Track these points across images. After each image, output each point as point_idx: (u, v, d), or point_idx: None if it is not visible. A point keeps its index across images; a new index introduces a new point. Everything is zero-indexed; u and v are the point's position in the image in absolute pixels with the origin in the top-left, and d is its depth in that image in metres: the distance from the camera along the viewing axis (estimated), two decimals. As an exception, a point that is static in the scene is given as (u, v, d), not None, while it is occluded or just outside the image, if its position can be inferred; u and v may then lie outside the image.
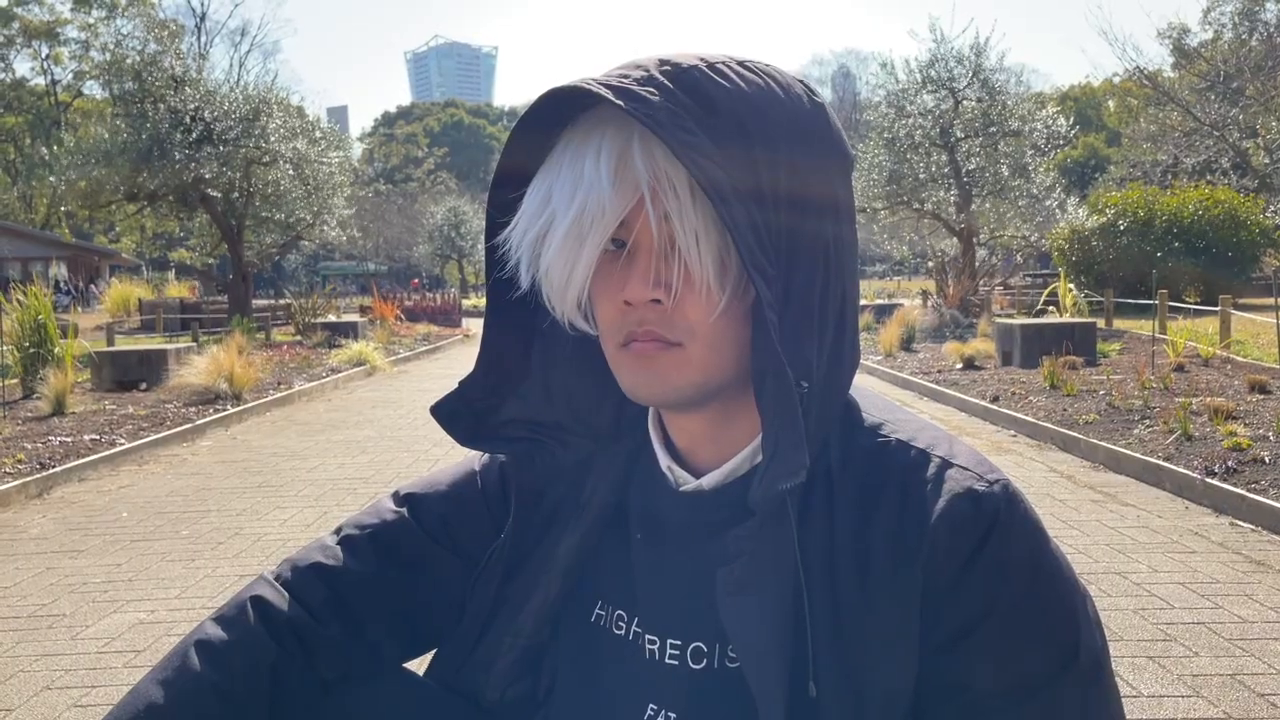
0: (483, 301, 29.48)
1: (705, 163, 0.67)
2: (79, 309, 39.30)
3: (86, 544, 4.15)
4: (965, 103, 15.27)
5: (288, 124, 16.54)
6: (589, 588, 0.86)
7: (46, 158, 16.19)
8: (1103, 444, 5.16)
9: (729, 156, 0.68)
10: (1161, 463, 4.64)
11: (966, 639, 0.71)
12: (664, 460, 0.82)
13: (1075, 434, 5.49)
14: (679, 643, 0.80)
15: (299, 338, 15.12)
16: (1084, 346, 8.64)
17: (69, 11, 70.03)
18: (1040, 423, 5.94)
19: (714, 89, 0.70)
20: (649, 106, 0.67)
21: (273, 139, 16.09)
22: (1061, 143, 15.41)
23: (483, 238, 0.81)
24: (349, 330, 14.08)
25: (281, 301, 22.26)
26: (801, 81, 0.78)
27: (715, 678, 0.77)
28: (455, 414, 0.85)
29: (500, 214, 0.77)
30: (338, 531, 0.90)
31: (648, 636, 0.82)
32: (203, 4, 68.47)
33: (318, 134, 16.95)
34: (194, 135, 15.43)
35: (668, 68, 0.70)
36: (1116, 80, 72.35)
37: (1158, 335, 10.43)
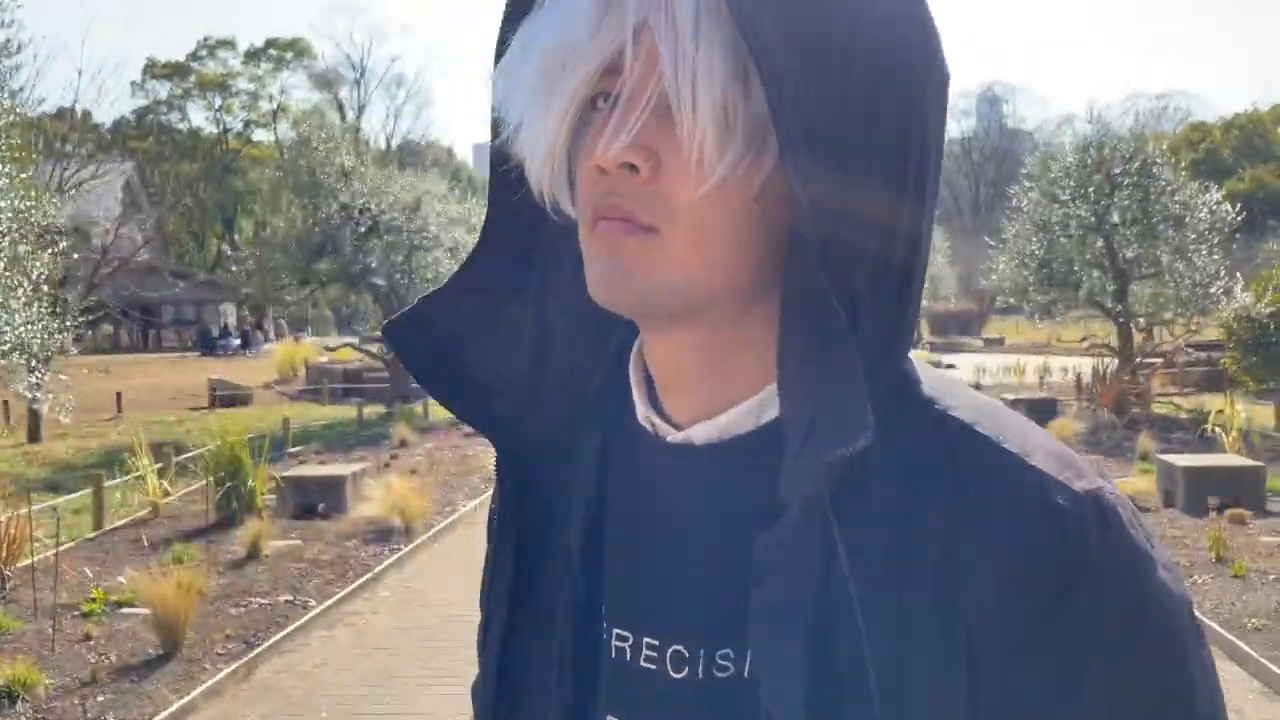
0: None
1: None
2: (246, 354, 41.67)
3: (295, 757, 4.56)
4: (1122, 190, 14.88)
5: (447, 211, 17.40)
6: None
7: (229, 251, 17.41)
8: (1274, 668, 5.06)
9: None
10: (1338, 711, 4.54)
11: (1056, 709, 0.57)
12: (641, 410, 0.67)
13: (1243, 645, 5.38)
14: (656, 643, 0.65)
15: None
16: (1252, 494, 8.36)
17: (239, 65, 74.54)
18: (1207, 620, 5.82)
19: None
20: None
21: (432, 228, 16.95)
22: (1227, 230, 14.81)
23: None
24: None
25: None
26: None
27: (697, 689, 0.63)
28: (410, 338, 0.71)
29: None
30: None
31: (615, 631, 0.67)
32: (363, 60, 71.80)
33: (474, 221, 17.77)
34: (363, 229, 16.43)
35: None
36: (1287, 107, 68.58)
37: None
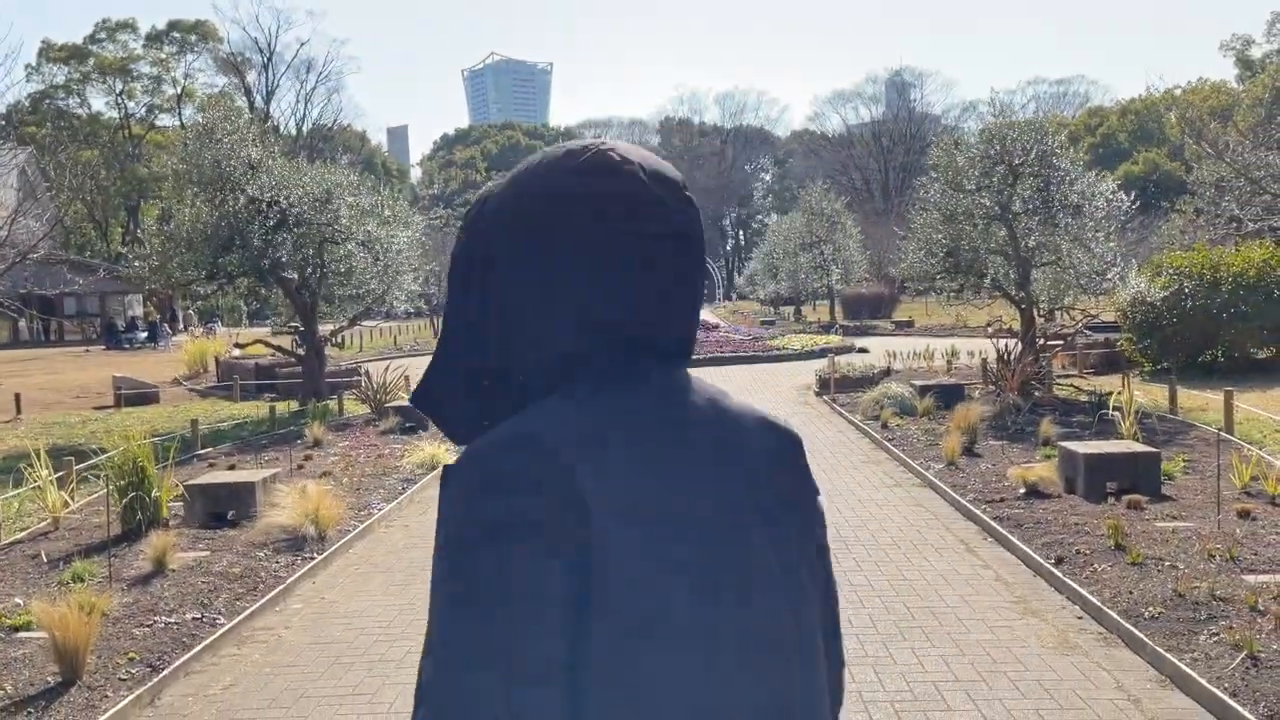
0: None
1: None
2: (154, 347, 40.37)
3: (203, 785, 4.46)
4: (1024, 180, 15.27)
5: (358, 204, 17.08)
6: None
7: (130, 247, 16.86)
8: (1169, 657, 5.25)
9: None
10: (1226, 699, 4.73)
11: None
12: None
13: (1140, 633, 5.58)
14: None
15: (372, 415, 15.60)
16: (1148, 479, 8.68)
17: (141, 48, 72.02)
18: (1105, 608, 6.03)
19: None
20: None
21: (344, 220, 16.63)
22: (1123, 218, 15.31)
23: None
24: (419, 417, 14.48)
25: (356, 365, 22.87)
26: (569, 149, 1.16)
27: None
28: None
29: None
30: None
31: None
32: (270, 44, 69.88)
33: (387, 213, 17.49)
34: (271, 222, 16.04)
35: None
36: (1179, 92, 71.11)
37: (1224, 435, 10.39)
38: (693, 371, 1.21)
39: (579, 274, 1.12)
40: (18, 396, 19.31)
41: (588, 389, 1.11)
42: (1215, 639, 5.42)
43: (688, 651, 1.04)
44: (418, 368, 22.50)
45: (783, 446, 1.22)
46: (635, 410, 1.11)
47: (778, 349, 27.75)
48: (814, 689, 1.15)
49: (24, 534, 8.75)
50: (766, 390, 19.67)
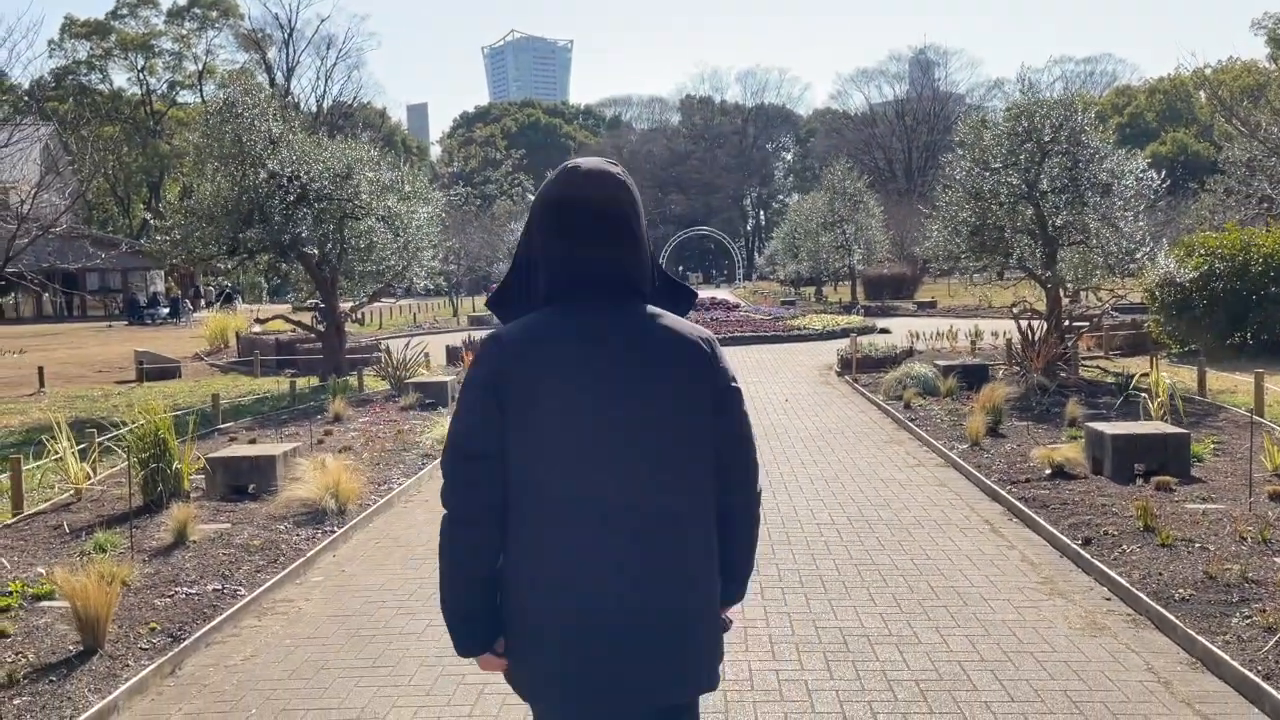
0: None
1: None
2: (176, 323, 40.53)
3: (224, 756, 4.44)
4: (1052, 158, 15.03)
5: (379, 179, 17.02)
6: None
7: (152, 219, 16.90)
8: (1200, 639, 5.15)
9: None
10: (1260, 681, 4.63)
11: None
12: None
13: (1171, 615, 5.48)
14: None
15: (392, 391, 15.60)
16: (1178, 460, 8.54)
17: (162, 24, 72.06)
18: (1135, 590, 5.93)
19: None
20: None
21: (364, 196, 16.58)
22: (1153, 197, 15.07)
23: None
24: (438, 394, 14.46)
25: (376, 341, 22.89)
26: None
27: None
28: None
29: None
30: None
31: None
32: (291, 19, 69.78)
33: (407, 188, 17.43)
34: (292, 197, 16.00)
35: None
36: (1209, 71, 70.08)
37: (1256, 418, 10.23)
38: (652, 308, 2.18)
39: (550, 241, 2.13)
40: (41, 370, 19.44)
41: (548, 307, 2.13)
42: (1248, 621, 5.32)
43: (554, 443, 2.07)
44: (438, 345, 22.62)
45: (684, 347, 2.11)
46: (556, 318, 2.11)
47: (799, 329, 27.60)
48: (664, 487, 2.08)
49: (47, 505, 8.78)
50: (787, 370, 19.55)
